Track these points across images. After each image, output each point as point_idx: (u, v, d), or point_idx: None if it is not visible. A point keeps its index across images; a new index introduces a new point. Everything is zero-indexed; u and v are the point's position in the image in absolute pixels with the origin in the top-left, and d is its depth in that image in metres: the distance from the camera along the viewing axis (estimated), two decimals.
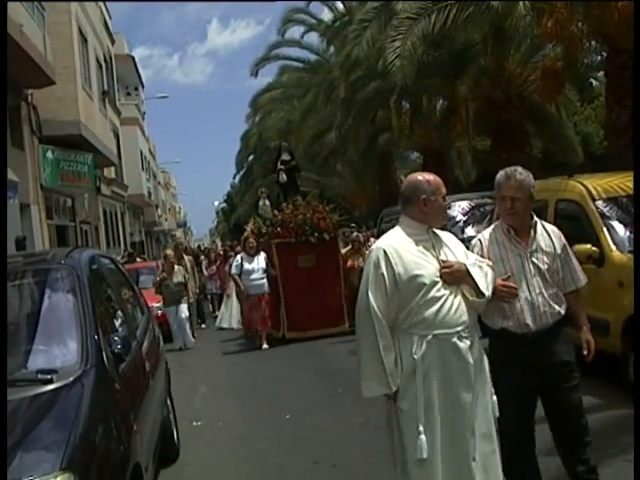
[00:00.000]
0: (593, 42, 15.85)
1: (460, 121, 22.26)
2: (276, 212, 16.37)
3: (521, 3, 13.64)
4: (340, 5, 30.25)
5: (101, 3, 32.76)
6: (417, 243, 4.37)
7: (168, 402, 7.44)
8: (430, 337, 4.21)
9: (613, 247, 8.55)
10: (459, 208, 15.14)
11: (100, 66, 29.12)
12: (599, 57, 17.39)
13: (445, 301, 4.25)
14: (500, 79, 18.75)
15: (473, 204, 15.39)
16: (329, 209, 16.51)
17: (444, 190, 4.46)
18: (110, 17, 37.39)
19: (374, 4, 17.91)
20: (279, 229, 15.80)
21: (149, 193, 50.61)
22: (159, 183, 71.00)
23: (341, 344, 13.99)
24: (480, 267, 4.48)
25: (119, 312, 6.00)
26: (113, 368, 4.56)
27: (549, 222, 9.93)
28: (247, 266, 15.28)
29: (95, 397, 4.10)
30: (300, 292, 15.45)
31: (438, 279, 4.27)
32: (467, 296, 4.35)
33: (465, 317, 4.29)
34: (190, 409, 9.72)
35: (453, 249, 4.50)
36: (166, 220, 76.62)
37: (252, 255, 15.41)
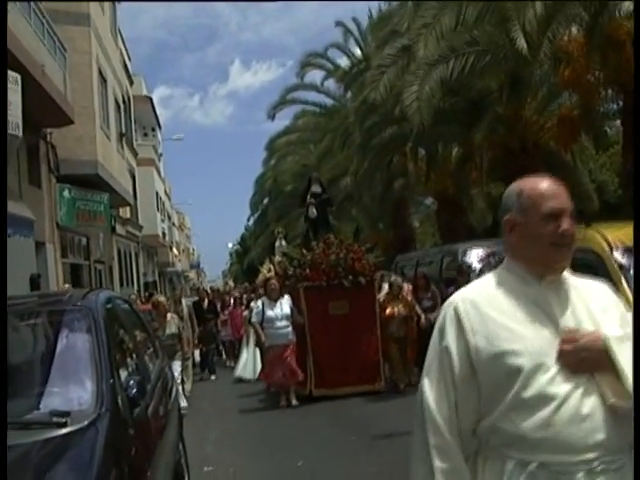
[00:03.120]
0: (609, 90, 15.96)
1: (475, 168, 22.33)
2: (305, 251, 14.37)
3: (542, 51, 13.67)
4: (358, 51, 30.50)
5: (121, 46, 33.12)
6: (519, 298, 2.59)
7: (180, 447, 7.35)
8: (534, 466, 2.43)
9: (632, 298, 8.47)
10: (475, 255, 15.04)
11: (118, 107, 29.39)
12: (615, 105, 17.52)
13: (563, 403, 2.42)
14: (516, 127, 18.80)
15: (488, 251, 15.28)
16: (365, 249, 14.67)
17: (553, 205, 2.59)
18: (130, 59, 37.87)
19: (392, 50, 18.04)
20: (308, 271, 13.90)
21: (163, 234, 50.78)
22: (173, 224, 71.30)
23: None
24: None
25: (134, 355, 5.96)
26: (128, 412, 4.50)
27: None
28: (269, 313, 13.46)
29: (109, 442, 4.03)
30: (331, 344, 13.60)
31: (550, 362, 2.46)
32: (608, 395, 2.44)
33: (602, 435, 2.40)
34: (201, 454, 9.61)
35: (594, 309, 2.62)
36: (180, 261, 76.77)
37: (275, 299, 13.59)
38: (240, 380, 17.40)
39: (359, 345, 13.74)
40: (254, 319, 13.97)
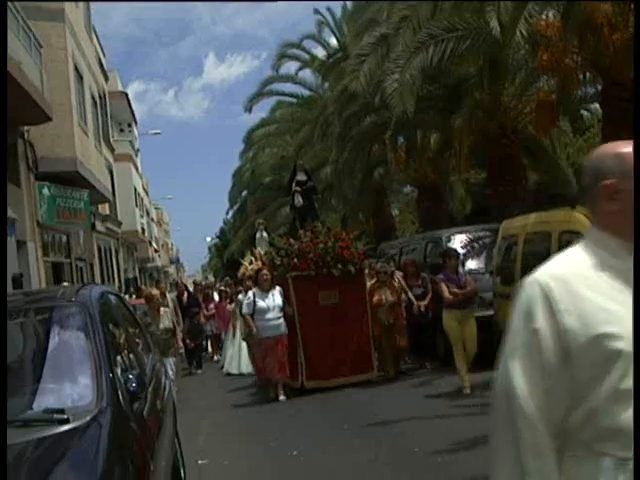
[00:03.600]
0: (587, 74, 15.98)
1: (455, 155, 22.32)
2: (292, 241, 13.98)
3: (518, 34, 13.61)
4: (333, 41, 30.42)
5: (95, 42, 32.85)
6: (611, 273, 2.32)
7: (175, 441, 7.31)
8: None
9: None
10: (459, 241, 15.06)
11: (95, 103, 29.15)
12: (593, 89, 17.55)
13: None
14: (495, 112, 18.79)
15: (472, 237, 15.34)
16: (354, 236, 14.33)
17: None
18: (104, 54, 37.60)
19: (371, 39, 17.95)
20: (296, 260, 13.51)
21: (143, 229, 50.60)
22: (152, 219, 71.02)
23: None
24: None
25: (130, 349, 5.91)
26: (128, 407, 4.45)
27: (552, 253, 10.02)
28: (261, 304, 13.02)
29: (113, 437, 4.00)
30: (321, 334, 13.27)
31: None
32: None
33: None
34: (194, 447, 9.56)
35: None
36: (159, 256, 76.49)
37: (266, 290, 13.16)
38: (229, 374, 17.38)
39: (350, 335, 13.48)
40: (245, 310, 13.46)
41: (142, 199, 54.67)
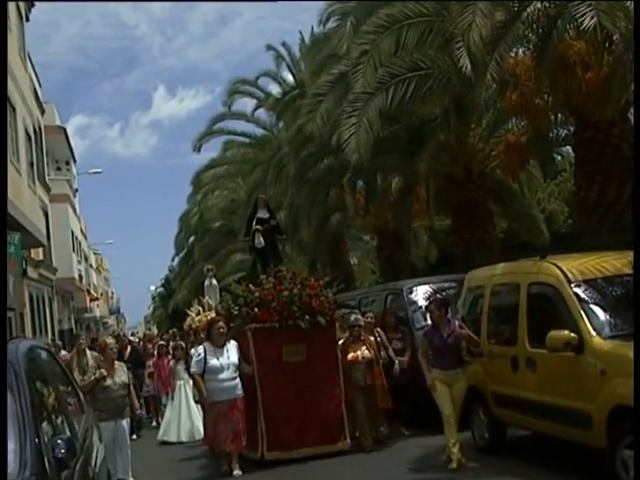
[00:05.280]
0: (559, 115, 16.17)
1: (418, 200, 22.46)
2: (252, 287, 12.95)
3: (488, 75, 13.66)
4: (290, 78, 30.58)
5: (31, 70, 32.71)
6: None
7: None
8: None
9: (593, 333, 8.60)
10: (422, 293, 14.97)
11: (29, 138, 28.90)
12: (565, 131, 17.77)
13: None
14: (461, 155, 18.97)
15: (435, 288, 15.25)
16: (324, 283, 13.30)
17: None
18: (40, 85, 37.39)
19: (329, 77, 18.03)
20: (257, 310, 12.47)
21: (80, 277, 50.05)
22: (91, 266, 70.42)
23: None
24: None
25: (61, 411, 5.76)
26: (56, 476, 4.33)
27: (521, 306, 10.03)
28: (213, 362, 11.95)
29: None
30: (285, 396, 12.21)
31: None
32: None
33: None
34: None
35: None
36: (98, 306, 75.72)
37: (220, 346, 12.16)
38: (164, 443, 16.43)
39: (319, 398, 12.47)
40: (194, 369, 12.38)
41: (80, 243, 54.22)
